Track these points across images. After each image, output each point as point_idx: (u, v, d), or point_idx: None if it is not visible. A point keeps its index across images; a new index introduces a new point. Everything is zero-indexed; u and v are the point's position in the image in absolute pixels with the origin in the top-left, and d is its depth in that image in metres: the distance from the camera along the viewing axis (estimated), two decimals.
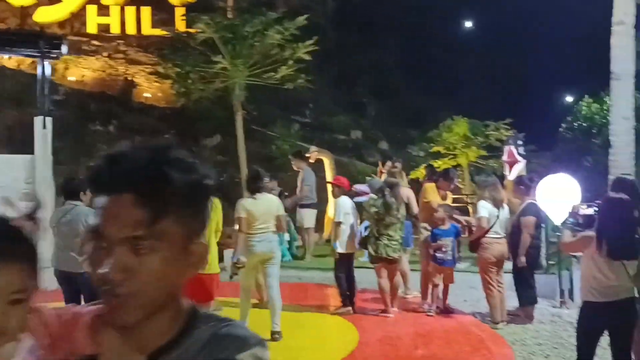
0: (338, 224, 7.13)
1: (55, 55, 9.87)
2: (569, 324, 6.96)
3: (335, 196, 7.52)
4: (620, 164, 8.91)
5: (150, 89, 22.34)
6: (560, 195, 7.95)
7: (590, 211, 4.67)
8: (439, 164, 15.53)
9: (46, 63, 9.83)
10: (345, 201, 7.34)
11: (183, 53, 15.04)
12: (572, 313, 7.50)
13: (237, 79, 14.32)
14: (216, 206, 4.71)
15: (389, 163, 10.87)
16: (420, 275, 7.43)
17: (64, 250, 5.16)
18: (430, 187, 7.49)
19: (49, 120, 9.80)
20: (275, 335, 5.86)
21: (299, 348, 5.84)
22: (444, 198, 7.40)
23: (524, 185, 6.87)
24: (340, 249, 7.13)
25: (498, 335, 6.00)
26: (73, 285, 5.16)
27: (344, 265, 7.15)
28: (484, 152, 15.35)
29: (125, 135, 18.21)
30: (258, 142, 19.26)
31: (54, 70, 10.17)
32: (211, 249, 4.64)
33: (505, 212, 6.91)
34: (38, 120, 9.72)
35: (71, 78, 21.78)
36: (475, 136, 15.77)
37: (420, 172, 15.06)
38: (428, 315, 6.95)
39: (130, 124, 18.62)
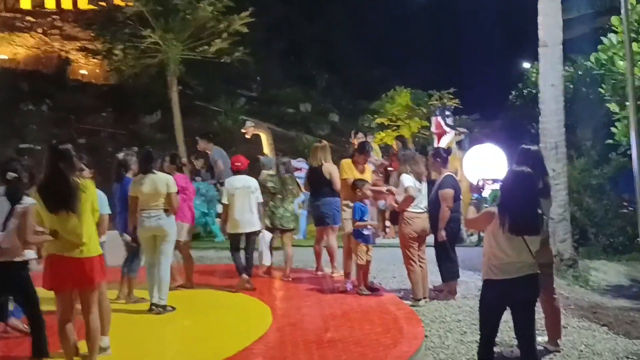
0: (223, 205, 7.36)
1: None
2: None
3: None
4: (549, 132, 8.81)
5: (87, 65, 21.50)
6: (485, 167, 7.84)
7: (496, 186, 4.49)
8: (382, 136, 15.37)
9: None
10: (232, 181, 7.37)
11: (113, 28, 14.38)
12: None
13: (170, 53, 13.77)
14: (88, 187, 4.42)
15: (359, 134, 11.81)
16: (343, 254, 7.22)
17: None
18: (346, 164, 7.22)
19: None
20: (157, 308, 6.10)
21: (209, 330, 5.65)
22: (362, 172, 7.16)
23: (440, 157, 6.67)
24: (229, 229, 7.29)
25: (414, 313, 5.83)
26: None
27: (235, 244, 7.29)
28: (426, 123, 15.22)
29: (60, 115, 17.54)
30: (200, 117, 18.76)
31: None
32: (90, 231, 4.38)
33: (425, 186, 6.73)
34: None
35: (2, 56, 20.77)
36: (418, 107, 15.60)
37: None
38: (349, 294, 6.77)
39: (65, 103, 17.91)
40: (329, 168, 7.53)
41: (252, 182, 7.39)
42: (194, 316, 6.17)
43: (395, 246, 7.49)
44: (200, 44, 14.04)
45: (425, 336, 5.34)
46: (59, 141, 4.53)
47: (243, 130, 12.53)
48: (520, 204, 4.13)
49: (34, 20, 23.25)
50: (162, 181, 6.23)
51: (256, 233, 7.42)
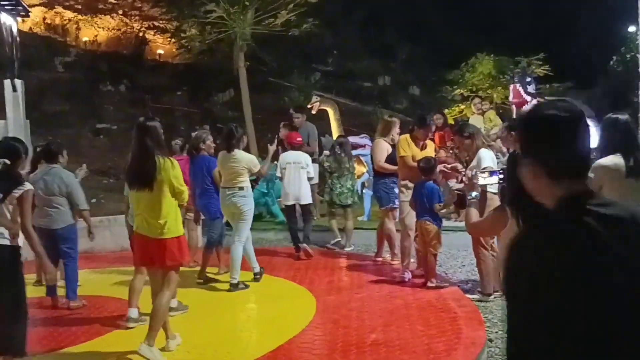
0: (279, 178, 7.93)
1: (15, 11, 9.15)
2: None
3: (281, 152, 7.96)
4: None
5: (164, 45, 21.62)
6: None
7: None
8: (462, 108, 14.27)
9: (11, 22, 9.16)
10: (285, 156, 7.75)
11: (180, 3, 14.14)
12: None
13: (237, 28, 13.34)
14: (170, 167, 4.29)
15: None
16: (401, 241, 6.49)
17: (42, 208, 5.67)
18: (403, 140, 6.39)
19: (18, 82, 9.18)
20: (256, 276, 6.53)
21: (241, 325, 5.26)
22: (423, 149, 6.35)
23: (516, 130, 5.72)
24: (284, 201, 7.90)
25: (477, 312, 5.02)
26: (50, 241, 5.56)
27: (291, 216, 7.85)
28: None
29: (136, 95, 17.72)
30: (272, 94, 18.37)
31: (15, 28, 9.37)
32: (169, 211, 4.33)
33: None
34: (7, 84, 9.12)
35: (84, 39, 21.26)
36: (502, 75, 14.30)
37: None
38: (406, 286, 6.06)
39: (141, 83, 18.06)
40: (385, 146, 6.74)
41: (303, 157, 7.71)
42: (231, 306, 5.71)
43: (463, 230, 6.66)
44: (267, 17, 13.51)
45: (490, 340, 4.56)
46: (146, 117, 4.51)
47: (309, 106, 11.93)
48: None
49: (115, 2, 23.62)
50: (245, 158, 6.36)
51: (309, 205, 7.84)
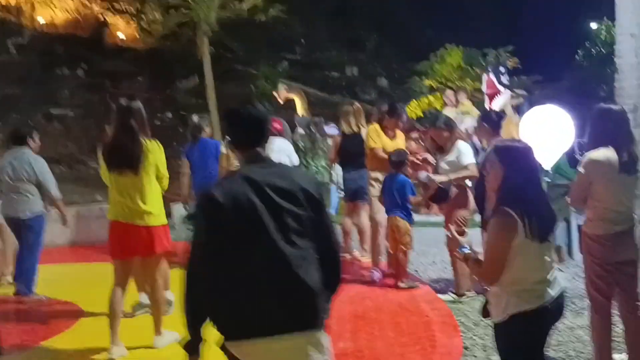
0: None
1: None
2: None
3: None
4: (626, 91, 7.33)
5: (126, 29, 20.73)
6: (550, 133, 6.53)
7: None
8: (430, 101, 13.97)
9: None
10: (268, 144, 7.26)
11: None
12: (563, 278, 6.18)
13: (200, 11, 12.75)
14: (155, 149, 4.16)
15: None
16: (371, 239, 6.11)
17: (8, 194, 5.47)
18: (372, 130, 6.03)
19: None
20: None
21: None
22: (392, 139, 5.96)
23: (490, 121, 5.37)
24: None
25: (452, 317, 4.68)
26: (18, 230, 5.45)
27: None
28: (479, 85, 13.70)
29: (94, 80, 16.89)
30: (238, 82, 17.77)
31: None
32: (154, 197, 4.18)
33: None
34: None
35: (40, 20, 20.24)
36: (471, 67, 14.05)
37: (410, 110, 13.53)
38: (376, 286, 5.69)
39: (100, 67, 17.22)
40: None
41: (286, 145, 6.98)
42: None
43: (439, 225, 6.32)
44: (233, 0, 12.96)
45: (466, 348, 4.22)
46: (128, 98, 4.33)
47: (275, 94, 11.47)
48: (538, 192, 2.84)
49: None
50: None
51: None
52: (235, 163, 6.35)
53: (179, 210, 9.95)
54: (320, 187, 2.54)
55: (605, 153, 3.77)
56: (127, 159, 4.04)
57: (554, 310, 2.83)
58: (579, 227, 5.20)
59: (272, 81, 17.96)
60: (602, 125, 3.85)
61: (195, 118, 7.33)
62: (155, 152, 4.16)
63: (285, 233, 2.29)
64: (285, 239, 2.28)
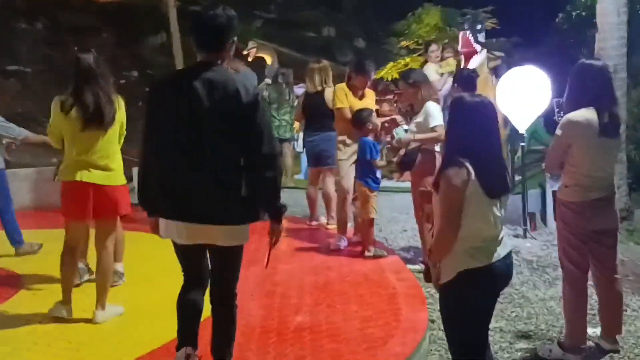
0: None
1: None
2: (526, 263, 5.46)
3: None
4: (607, 52, 7.08)
5: None
6: (525, 95, 6.23)
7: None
8: (407, 61, 13.53)
9: None
10: None
11: None
12: (536, 246, 6.00)
13: None
14: (121, 105, 3.98)
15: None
16: (337, 205, 5.79)
17: None
18: (340, 90, 5.61)
19: None
20: None
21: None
22: (361, 99, 5.59)
23: (463, 81, 5.01)
24: None
25: (419, 288, 4.39)
26: None
27: None
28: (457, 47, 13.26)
29: (55, 36, 16.10)
30: None
31: None
32: (117, 155, 4.01)
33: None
34: None
35: None
36: (449, 27, 13.56)
37: (386, 71, 13.09)
38: (342, 255, 5.40)
39: (62, 21, 16.39)
40: (331, 94, 5.94)
41: None
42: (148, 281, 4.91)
43: (407, 191, 6.03)
44: None
45: (432, 321, 3.96)
46: (87, 49, 4.05)
47: (244, 52, 10.97)
48: (490, 149, 2.71)
49: None
50: None
51: None
52: None
53: None
54: (253, 91, 2.71)
55: (585, 114, 3.48)
56: (98, 114, 3.80)
57: (502, 270, 2.75)
58: (554, 193, 4.96)
59: (244, 40, 17.33)
60: (582, 83, 3.56)
61: None
62: (121, 109, 3.97)
63: (204, 128, 2.62)
64: (203, 135, 2.62)
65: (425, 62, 11.71)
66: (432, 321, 3.97)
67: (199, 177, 2.64)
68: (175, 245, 2.87)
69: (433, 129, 4.86)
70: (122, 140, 4.09)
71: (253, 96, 2.67)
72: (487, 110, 2.75)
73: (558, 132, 3.58)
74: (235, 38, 2.80)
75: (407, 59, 13.64)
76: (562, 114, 5.62)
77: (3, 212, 5.63)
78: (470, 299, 2.69)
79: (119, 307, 4.08)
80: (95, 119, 3.80)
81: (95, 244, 4.06)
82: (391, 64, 13.61)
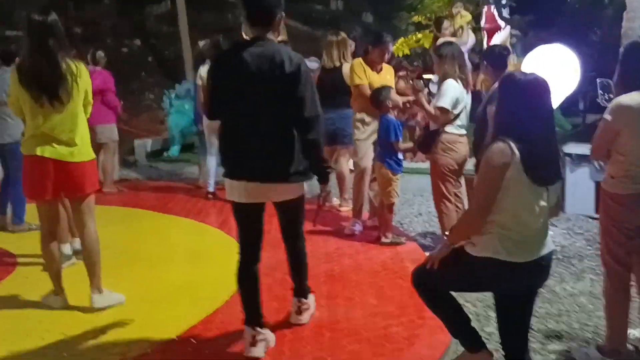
0: None
1: None
2: None
3: None
4: (636, 32, 6.66)
5: None
6: (553, 74, 5.85)
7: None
8: (419, 37, 13.10)
9: None
10: None
11: None
12: (558, 234, 5.69)
13: None
14: (82, 73, 3.56)
15: None
16: (353, 186, 5.47)
17: None
18: (357, 65, 5.25)
19: None
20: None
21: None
22: (380, 73, 5.22)
23: (495, 59, 4.63)
24: None
25: None
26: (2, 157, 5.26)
27: None
28: (473, 23, 12.79)
29: (55, 1, 15.62)
30: (215, 11, 16.63)
31: None
32: (81, 128, 3.61)
33: (469, 99, 4.81)
34: None
35: None
36: (463, 2, 13.08)
37: (397, 47, 12.67)
38: (356, 240, 5.09)
39: None
40: (349, 70, 5.55)
41: None
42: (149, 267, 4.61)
43: (425, 172, 5.69)
44: None
45: None
46: (43, 10, 3.49)
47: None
48: (540, 131, 2.50)
49: None
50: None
51: None
52: None
53: (142, 147, 9.21)
54: (298, 63, 2.93)
55: (638, 98, 3.14)
56: (50, 87, 3.43)
57: (535, 273, 2.58)
58: (598, 184, 4.62)
59: None
60: (636, 64, 3.21)
61: (201, 43, 6.91)
62: (83, 76, 3.56)
63: (262, 99, 2.90)
64: (262, 105, 2.91)
65: (437, 38, 11.27)
66: None
67: (257, 140, 2.92)
68: (237, 205, 3.07)
69: (435, 107, 4.56)
70: (89, 110, 3.71)
71: (296, 65, 2.90)
72: (539, 90, 2.53)
73: (607, 116, 3.24)
74: (283, 13, 3.01)
75: (419, 35, 13.22)
76: (608, 97, 5.28)
77: (14, 184, 5.24)
78: (483, 285, 2.63)
79: (120, 295, 3.78)
80: (45, 91, 3.43)
81: (74, 224, 3.81)
82: (402, 39, 13.21)
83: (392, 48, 5.53)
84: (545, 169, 2.49)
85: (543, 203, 2.52)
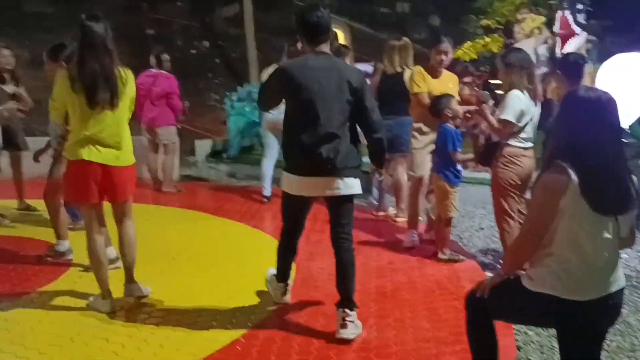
0: None
1: None
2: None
3: None
4: None
5: None
6: (631, 83, 5.45)
7: None
8: (487, 41, 12.64)
9: None
10: None
11: None
12: (632, 257, 5.27)
13: None
14: (130, 80, 3.65)
15: None
16: (410, 196, 5.24)
17: None
18: (417, 73, 5.02)
19: None
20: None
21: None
22: (437, 77, 4.98)
23: (571, 67, 4.30)
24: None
25: None
26: None
27: None
28: (543, 27, 12.20)
29: (130, 2, 16.02)
30: (282, 13, 16.66)
31: None
32: (127, 134, 3.68)
33: (538, 109, 4.49)
34: None
35: None
36: (536, 7, 12.53)
37: (464, 51, 12.30)
38: (411, 254, 4.87)
39: None
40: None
41: None
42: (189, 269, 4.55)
43: (487, 183, 5.39)
44: None
45: (518, 348, 3.39)
46: (94, 16, 3.61)
47: None
48: (604, 154, 2.25)
49: None
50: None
51: None
52: None
53: (203, 147, 9.26)
54: (361, 77, 3.41)
55: None
56: (109, 92, 3.48)
57: (600, 313, 2.30)
58: None
59: None
60: None
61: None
62: (130, 83, 3.65)
63: (327, 105, 3.28)
64: (327, 110, 3.27)
65: (505, 45, 10.84)
66: (519, 348, 3.40)
67: (325, 141, 3.28)
68: (290, 197, 3.46)
69: (498, 120, 4.27)
70: (129, 116, 3.76)
71: (360, 80, 3.38)
72: (604, 109, 2.29)
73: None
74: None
75: (487, 39, 12.76)
76: None
77: None
78: (540, 322, 2.45)
79: (147, 287, 3.87)
80: (102, 94, 3.47)
81: (115, 222, 3.82)
82: (469, 43, 12.79)
83: (451, 51, 5.21)
84: (609, 197, 2.24)
85: (608, 235, 2.27)
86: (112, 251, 4.27)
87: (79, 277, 4.32)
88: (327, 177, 3.31)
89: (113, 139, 3.56)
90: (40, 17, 13.53)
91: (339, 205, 3.42)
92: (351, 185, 3.38)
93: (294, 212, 3.54)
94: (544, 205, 2.27)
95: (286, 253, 3.67)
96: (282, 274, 3.73)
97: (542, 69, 6.74)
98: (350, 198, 3.43)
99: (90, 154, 3.52)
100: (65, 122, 3.71)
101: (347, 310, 3.34)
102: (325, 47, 3.35)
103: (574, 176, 2.19)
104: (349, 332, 3.28)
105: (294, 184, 3.40)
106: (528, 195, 4.62)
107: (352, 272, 3.40)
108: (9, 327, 3.49)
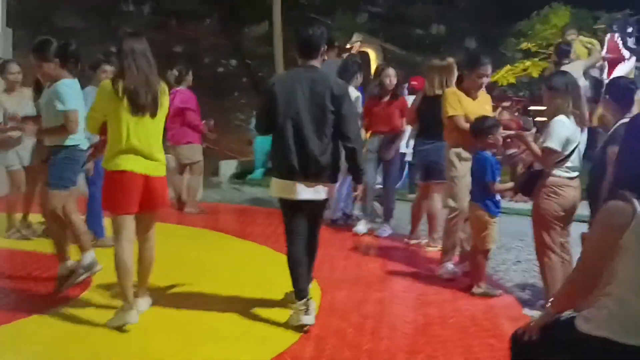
0: None
1: None
2: None
3: None
4: None
5: None
6: None
7: None
8: (527, 65, 12.27)
9: None
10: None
11: None
12: None
13: None
14: (165, 90, 3.76)
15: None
16: (445, 228, 4.94)
17: None
18: (451, 95, 4.74)
19: None
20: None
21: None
22: (475, 99, 4.71)
23: (620, 93, 3.97)
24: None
25: None
26: None
27: None
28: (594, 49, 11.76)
29: (160, 19, 16.15)
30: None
31: None
32: (161, 144, 3.76)
33: (585, 137, 4.18)
34: None
35: None
36: (579, 30, 12.16)
37: (502, 75, 11.98)
38: (445, 285, 4.58)
39: (167, 6, 16.43)
40: None
41: None
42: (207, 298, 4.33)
43: (526, 214, 5.07)
44: None
45: None
46: (135, 32, 3.87)
47: (348, 46, 10.29)
48: None
49: None
50: None
51: None
52: None
53: (228, 167, 9.11)
54: (344, 88, 3.73)
55: None
56: (152, 100, 3.56)
57: None
58: None
59: (347, 33, 16.66)
60: None
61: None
62: (166, 95, 3.76)
63: (312, 114, 3.56)
64: (311, 118, 3.55)
65: (545, 68, 10.50)
66: None
67: (309, 149, 3.55)
68: (287, 203, 3.68)
69: (541, 147, 3.96)
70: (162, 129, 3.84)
71: (343, 89, 3.68)
72: None
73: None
74: (326, 46, 3.71)
75: (527, 63, 12.40)
76: None
77: (92, 201, 5.19)
78: None
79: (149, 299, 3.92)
80: (145, 99, 3.54)
81: (137, 235, 3.74)
82: (508, 67, 12.47)
83: (490, 72, 4.92)
84: None
85: None
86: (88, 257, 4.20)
87: (103, 292, 4.14)
88: (311, 182, 3.58)
89: (153, 149, 3.61)
90: (71, 32, 13.67)
91: (316, 208, 3.75)
92: (330, 191, 3.72)
93: (294, 216, 3.70)
94: (603, 240, 2.13)
95: (297, 265, 3.75)
96: (299, 291, 3.68)
97: (588, 93, 6.39)
98: (324, 202, 3.77)
99: (133, 164, 3.54)
100: (101, 132, 3.74)
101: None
102: (316, 62, 3.61)
103: (636, 205, 2.04)
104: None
105: (286, 189, 3.62)
106: (570, 228, 4.31)
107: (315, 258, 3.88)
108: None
